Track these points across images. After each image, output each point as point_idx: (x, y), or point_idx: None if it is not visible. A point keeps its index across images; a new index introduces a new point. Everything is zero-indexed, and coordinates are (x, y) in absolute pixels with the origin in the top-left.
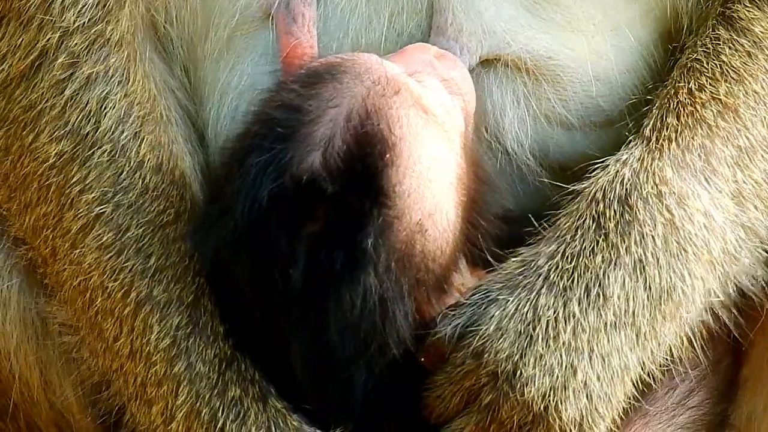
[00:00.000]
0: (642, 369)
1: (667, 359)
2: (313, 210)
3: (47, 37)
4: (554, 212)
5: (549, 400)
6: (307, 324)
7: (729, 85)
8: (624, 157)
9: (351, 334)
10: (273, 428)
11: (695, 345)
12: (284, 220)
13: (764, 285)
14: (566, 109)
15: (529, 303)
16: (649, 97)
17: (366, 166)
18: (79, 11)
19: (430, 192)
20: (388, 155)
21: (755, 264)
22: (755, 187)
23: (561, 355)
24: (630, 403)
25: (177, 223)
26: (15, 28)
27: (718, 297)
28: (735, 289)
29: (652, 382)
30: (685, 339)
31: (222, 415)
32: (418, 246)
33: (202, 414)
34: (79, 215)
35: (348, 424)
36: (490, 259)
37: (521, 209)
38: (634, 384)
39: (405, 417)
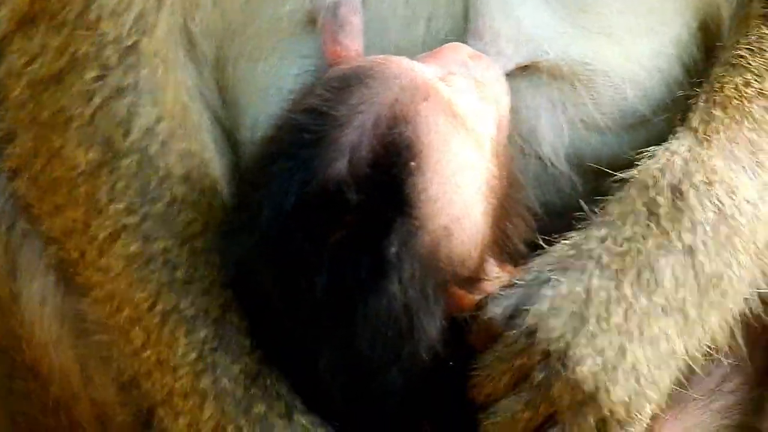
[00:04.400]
0: (687, 355)
1: (710, 347)
2: (338, 218)
3: (79, 45)
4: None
5: (599, 380)
6: (334, 334)
7: None
8: (673, 146)
9: (380, 343)
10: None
11: (736, 334)
12: (309, 228)
13: None
14: (601, 113)
15: (581, 284)
16: (686, 93)
17: (392, 174)
18: (116, 23)
19: (458, 197)
20: (414, 162)
21: None
22: None
23: (612, 337)
24: (675, 389)
25: (205, 235)
26: (47, 29)
27: (761, 288)
28: None
29: (696, 369)
30: (728, 328)
31: (247, 431)
32: (443, 251)
33: (228, 430)
34: (107, 224)
35: None
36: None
37: (553, 214)
38: (679, 370)
39: (440, 414)
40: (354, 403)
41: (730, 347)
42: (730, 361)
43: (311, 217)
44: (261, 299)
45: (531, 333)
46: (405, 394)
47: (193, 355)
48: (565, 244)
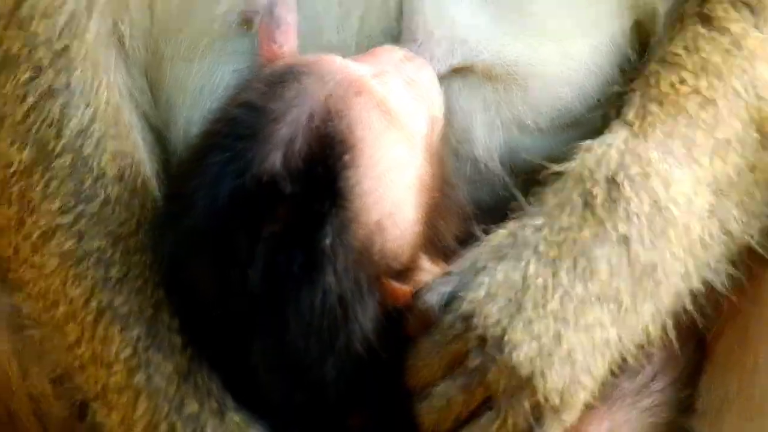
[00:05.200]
0: (621, 345)
1: (642, 340)
2: (272, 210)
3: (13, 44)
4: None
5: (535, 366)
6: (267, 327)
7: (709, 80)
8: (609, 140)
9: (314, 335)
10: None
11: (668, 328)
12: (243, 220)
13: (732, 274)
14: (536, 113)
15: (518, 271)
16: (621, 90)
17: (326, 167)
18: (48, 26)
19: (390, 192)
20: (348, 156)
21: (723, 256)
22: (729, 181)
23: (548, 323)
24: (607, 380)
25: (138, 234)
26: None
27: (692, 282)
28: (703, 277)
29: (630, 360)
30: (660, 320)
31: (179, 430)
32: (376, 244)
33: (160, 428)
34: (41, 222)
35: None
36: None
37: (487, 213)
38: (613, 360)
39: (375, 404)
40: (288, 397)
41: (662, 342)
42: (660, 358)
43: (245, 209)
44: (192, 293)
45: (467, 319)
46: (340, 387)
47: (128, 352)
48: (501, 233)
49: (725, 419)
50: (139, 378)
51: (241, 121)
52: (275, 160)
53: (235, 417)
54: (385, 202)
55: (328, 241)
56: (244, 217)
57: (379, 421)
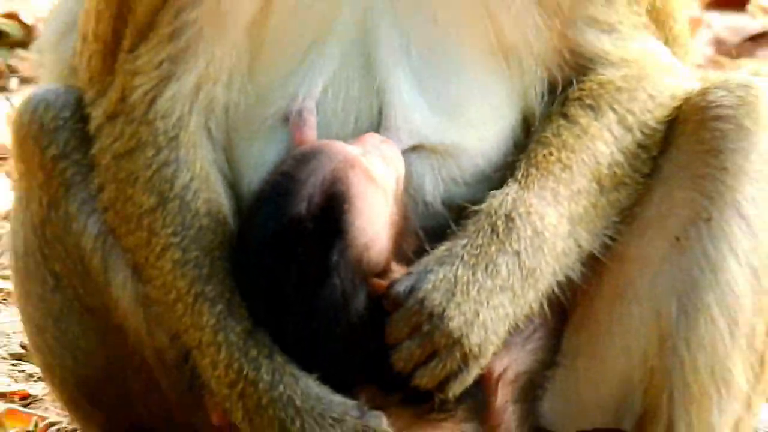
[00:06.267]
0: (515, 317)
1: (527, 313)
2: (301, 240)
3: (143, 134)
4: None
5: (463, 331)
6: (302, 307)
7: (567, 153)
8: (506, 191)
9: (331, 312)
10: (275, 373)
11: (544, 305)
12: (283, 245)
13: (582, 271)
14: (464, 173)
15: (451, 272)
16: (515, 159)
17: (334, 213)
18: (166, 122)
19: (373, 227)
20: (346, 206)
21: (577, 261)
22: (580, 216)
23: (471, 304)
24: (506, 337)
25: (220, 249)
26: (124, 125)
27: (558, 277)
28: (565, 274)
29: (520, 325)
30: (539, 301)
31: (246, 366)
32: (365, 258)
33: (234, 365)
34: (161, 242)
35: (328, 372)
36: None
37: (432, 236)
38: (510, 326)
39: (371, 369)
40: (315, 347)
41: (541, 313)
42: (539, 321)
43: (284, 238)
44: (254, 285)
45: (421, 302)
46: (346, 344)
47: (212, 321)
48: (441, 248)
49: (578, 360)
50: (221, 336)
51: (280, 184)
52: (302, 209)
53: (279, 358)
54: (369, 232)
55: (335, 258)
56: (285, 243)
57: (375, 373)
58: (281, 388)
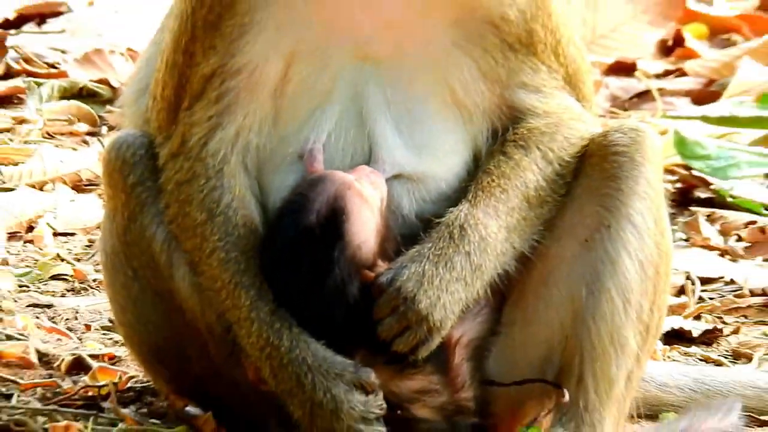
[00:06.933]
0: (467, 300)
1: (476, 297)
2: (312, 242)
3: (197, 167)
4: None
5: (429, 310)
6: (315, 291)
7: (505, 180)
8: (460, 207)
9: (334, 295)
10: (293, 341)
11: (488, 292)
12: (298, 247)
13: (515, 266)
14: (430, 194)
15: (421, 268)
16: (467, 184)
17: (335, 223)
18: (214, 159)
19: (363, 233)
20: (344, 217)
21: (512, 258)
22: (514, 226)
23: (434, 291)
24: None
25: (253, 250)
26: (183, 161)
27: (498, 270)
28: (503, 268)
29: (470, 306)
30: (484, 289)
31: (271, 335)
32: (358, 255)
33: (263, 335)
34: (210, 246)
35: (333, 340)
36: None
37: (407, 240)
38: (464, 306)
39: (363, 338)
40: (322, 322)
41: (486, 296)
42: (484, 301)
43: (299, 241)
44: (277, 277)
45: (398, 289)
46: (344, 318)
47: (248, 302)
48: (412, 250)
49: (513, 330)
50: (254, 314)
51: (296, 202)
52: (312, 219)
53: (295, 329)
54: (361, 237)
55: (336, 255)
56: (300, 245)
57: (368, 341)
58: (297, 351)
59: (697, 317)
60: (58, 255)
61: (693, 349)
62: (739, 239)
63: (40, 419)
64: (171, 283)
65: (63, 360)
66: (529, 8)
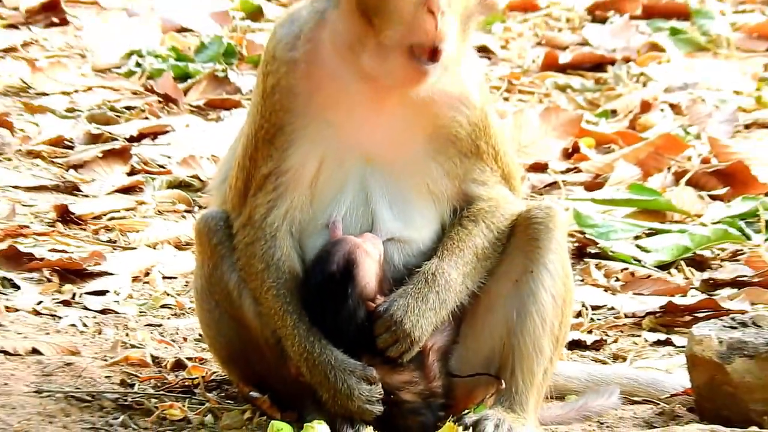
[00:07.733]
0: (438, 321)
1: (444, 319)
2: (333, 284)
3: (259, 234)
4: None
5: (411, 330)
6: (335, 316)
7: (462, 243)
8: (433, 261)
9: (347, 318)
10: (322, 349)
11: (450, 316)
12: (326, 286)
13: (468, 299)
14: (412, 252)
15: (406, 302)
16: (437, 246)
17: (349, 271)
18: (271, 228)
19: (368, 277)
20: (355, 266)
21: (465, 295)
22: (467, 274)
23: (416, 317)
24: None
25: (295, 289)
26: (249, 229)
27: (459, 301)
28: (461, 301)
29: (439, 325)
30: (449, 313)
31: (307, 345)
32: (364, 292)
33: (301, 345)
34: (266, 285)
35: (348, 348)
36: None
37: (397, 282)
38: (435, 327)
39: (368, 347)
40: (341, 337)
41: (449, 319)
42: (447, 322)
43: (326, 283)
44: (312, 307)
45: (391, 315)
46: (355, 334)
47: (291, 323)
48: (400, 289)
49: (467, 340)
50: (295, 331)
51: (323, 257)
52: (334, 268)
53: (323, 341)
54: (366, 280)
55: (350, 291)
56: (326, 286)
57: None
58: (324, 356)
59: (590, 332)
60: (165, 291)
61: (587, 353)
62: (617, 280)
63: (153, 400)
64: (240, 310)
65: (168, 361)
66: (474, 130)
